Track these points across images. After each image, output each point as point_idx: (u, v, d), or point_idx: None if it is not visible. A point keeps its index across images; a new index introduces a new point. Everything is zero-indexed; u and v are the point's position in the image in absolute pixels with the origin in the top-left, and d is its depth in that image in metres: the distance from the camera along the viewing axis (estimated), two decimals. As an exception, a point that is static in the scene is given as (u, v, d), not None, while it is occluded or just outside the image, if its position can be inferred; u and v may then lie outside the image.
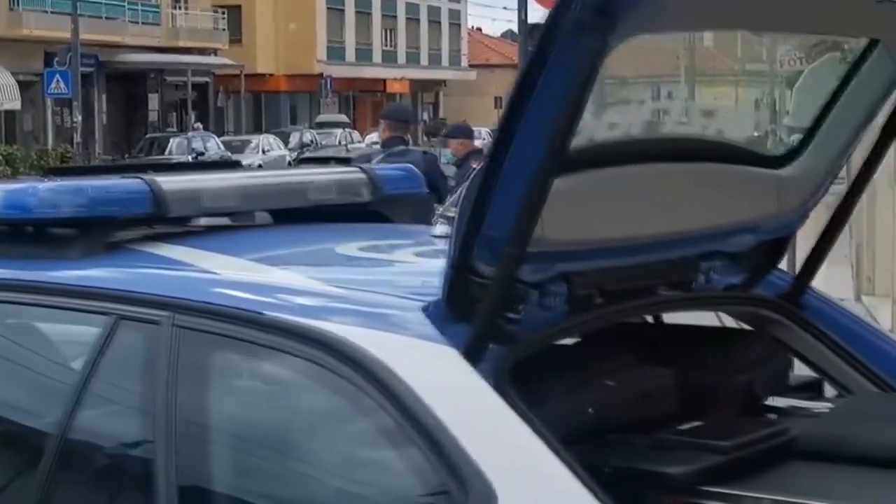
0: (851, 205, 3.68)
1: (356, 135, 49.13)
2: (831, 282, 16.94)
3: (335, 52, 66.67)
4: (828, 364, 3.74)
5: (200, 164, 6.18)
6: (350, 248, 3.63)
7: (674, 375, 3.40)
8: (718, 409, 3.42)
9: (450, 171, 11.29)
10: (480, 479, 2.63)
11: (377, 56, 71.52)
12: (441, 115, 75.64)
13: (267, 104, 63.76)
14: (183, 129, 51.94)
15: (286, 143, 49.51)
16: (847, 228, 3.83)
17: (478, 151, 10.98)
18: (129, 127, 52.94)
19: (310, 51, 63.77)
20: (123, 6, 49.99)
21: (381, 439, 2.83)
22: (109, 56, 49.42)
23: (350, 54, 68.56)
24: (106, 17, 47.99)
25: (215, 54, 58.14)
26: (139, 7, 51.65)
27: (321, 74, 63.85)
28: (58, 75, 39.76)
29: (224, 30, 58.44)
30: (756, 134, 3.71)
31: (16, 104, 44.23)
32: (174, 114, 57.34)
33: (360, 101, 69.28)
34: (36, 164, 37.07)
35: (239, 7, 60.44)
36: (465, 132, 11.84)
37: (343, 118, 58.28)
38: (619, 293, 3.29)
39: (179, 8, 55.90)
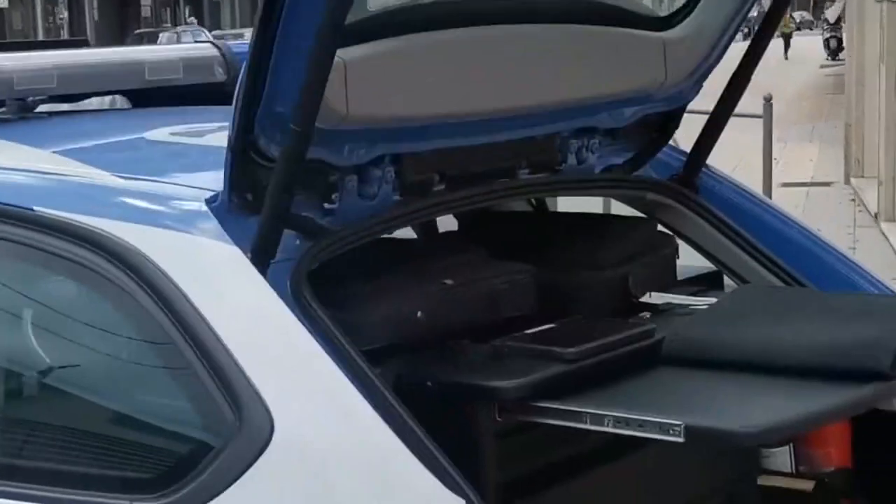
0: (747, 74, 3.22)
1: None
2: (822, 163, 16.63)
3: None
4: (725, 253, 3.30)
5: (27, 44, 5.68)
6: (168, 134, 3.16)
7: (531, 271, 2.95)
8: (583, 309, 2.98)
9: None
10: (257, 403, 2.22)
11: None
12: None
13: (263, -3, 62.73)
14: (177, 24, 51.06)
15: (281, 36, 48.64)
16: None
17: None
18: (122, 23, 52.09)
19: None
20: None
21: (149, 351, 2.41)
22: (99, -50, 48.66)
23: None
24: None
25: (208, -55, 57.13)
26: None
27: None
28: (42, -30, 39.05)
29: (217, -81, 57.45)
30: None
31: (3, 1, 43.46)
32: (168, 9, 56.43)
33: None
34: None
35: None
36: None
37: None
38: (466, 177, 2.84)
39: None
